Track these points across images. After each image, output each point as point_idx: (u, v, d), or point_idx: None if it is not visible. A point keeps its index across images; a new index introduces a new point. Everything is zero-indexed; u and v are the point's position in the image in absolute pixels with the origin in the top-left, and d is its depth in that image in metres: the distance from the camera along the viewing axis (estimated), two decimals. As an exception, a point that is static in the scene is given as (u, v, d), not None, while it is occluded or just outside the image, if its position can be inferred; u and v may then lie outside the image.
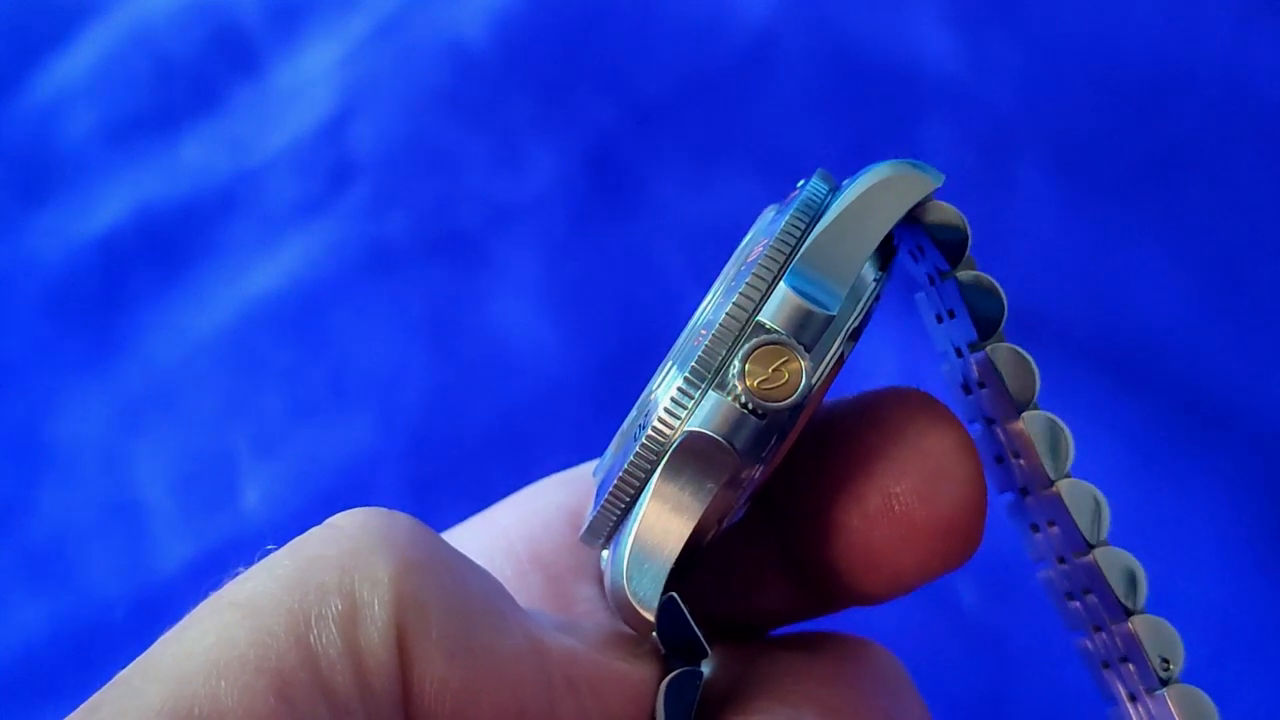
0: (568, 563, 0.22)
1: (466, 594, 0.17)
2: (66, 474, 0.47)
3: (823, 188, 0.20)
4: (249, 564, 0.17)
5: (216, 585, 0.17)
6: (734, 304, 0.18)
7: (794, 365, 0.18)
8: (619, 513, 0.19)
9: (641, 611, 0.18)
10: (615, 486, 0.19)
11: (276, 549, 0.17)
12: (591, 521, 0.19)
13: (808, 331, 0.18)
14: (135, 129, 0.53)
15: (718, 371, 0.18)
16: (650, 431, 0.18)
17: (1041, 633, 0.38)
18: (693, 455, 0.18)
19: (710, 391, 0.18)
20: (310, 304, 0.48)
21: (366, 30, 0.53)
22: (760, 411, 0.18)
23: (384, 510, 0.18)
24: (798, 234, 0.19)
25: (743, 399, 0.18)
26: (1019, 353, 0.19)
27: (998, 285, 0.19)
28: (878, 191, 0.19)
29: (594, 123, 0.50)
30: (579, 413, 0.45)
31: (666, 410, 0.18)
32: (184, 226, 0.51)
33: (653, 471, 0.18)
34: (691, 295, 0.45)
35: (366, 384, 0.47)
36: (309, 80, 0.53)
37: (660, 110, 0.49)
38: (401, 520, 0.17)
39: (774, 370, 0.18)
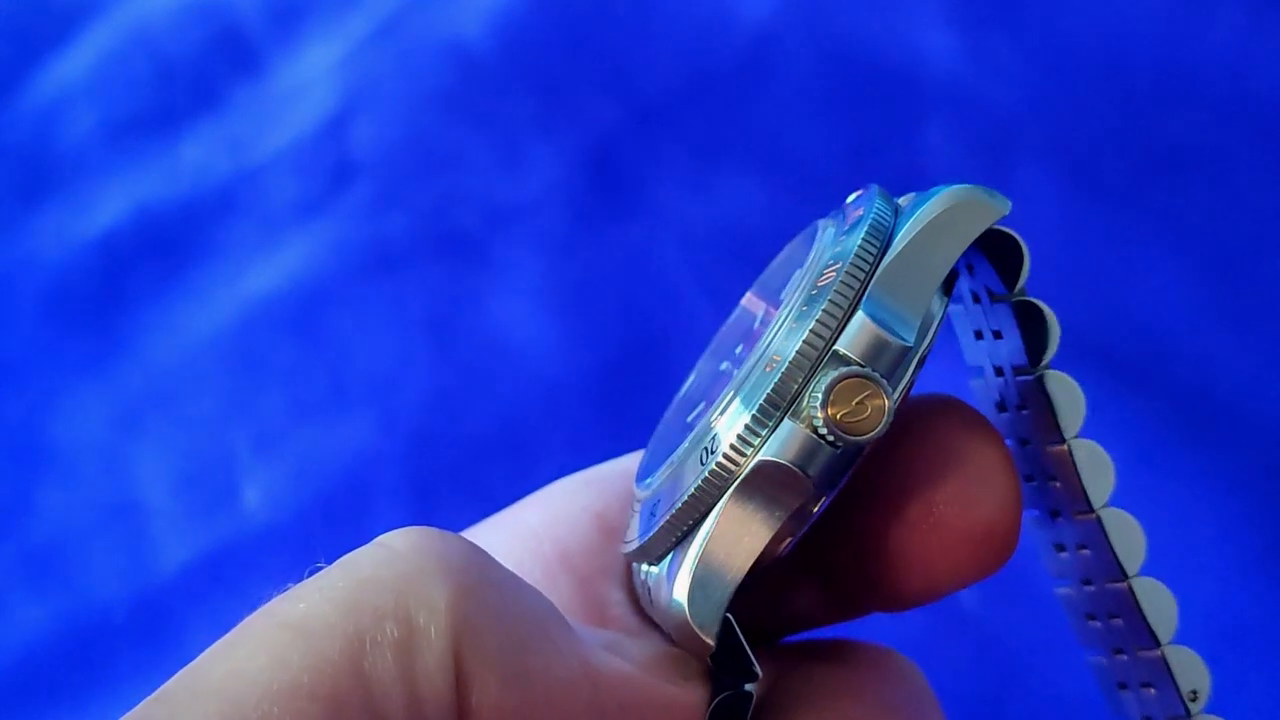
0: (596, 565, 0.22)
1: (521, 618, 0.17)
2: (66, 474, 0.47)
3: (888, 210, 0.19)
4: (287, 577, 0.17)
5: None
6: (811, 332, 0.18)
7: (877, 400, 0.18)
8: (679, 535, 0.19)
9: (702, 636, 0.18)
10: (679, 509, 0.18)
11: (325, 565, 0.17)
12: (646, 542, 0.19)
13: (884, 361, 0.18)
14: (135, 129, 0.53)
15: (793, 400, 0.18)
16: (721, 458, 0.18)
17: (1043, 636, 0.38)
18: (765, 482, 0.18)
19: (786, 420, 0.18)
20: (310, 304, 0.48)
21: (366, 30, 0.53)
22: (839, 443, 0.18)
23: (436, 531, 0.17)
24: (870, 260, 0.18)
25: (822, 430, 0.18)
26: (1071, 383, 0.20)
27: (1052, 315, 0.19)
28: (948, 217, 0.19)
29: (594, 123, 0.50)
30: (579, 413, 0.45)
31: (740, 437, 0.18)
32: (184, 226, 0.51)
33: (720, 497, 0.18)
34: (692, 295, 0.46)
35: (367, 384, 0.47)
36: (309, 80, 0.53)
37: (660, 110, 0.49)
38: (454, 542, 0.17)
39: (857, 403, 0.17)
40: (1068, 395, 0.20)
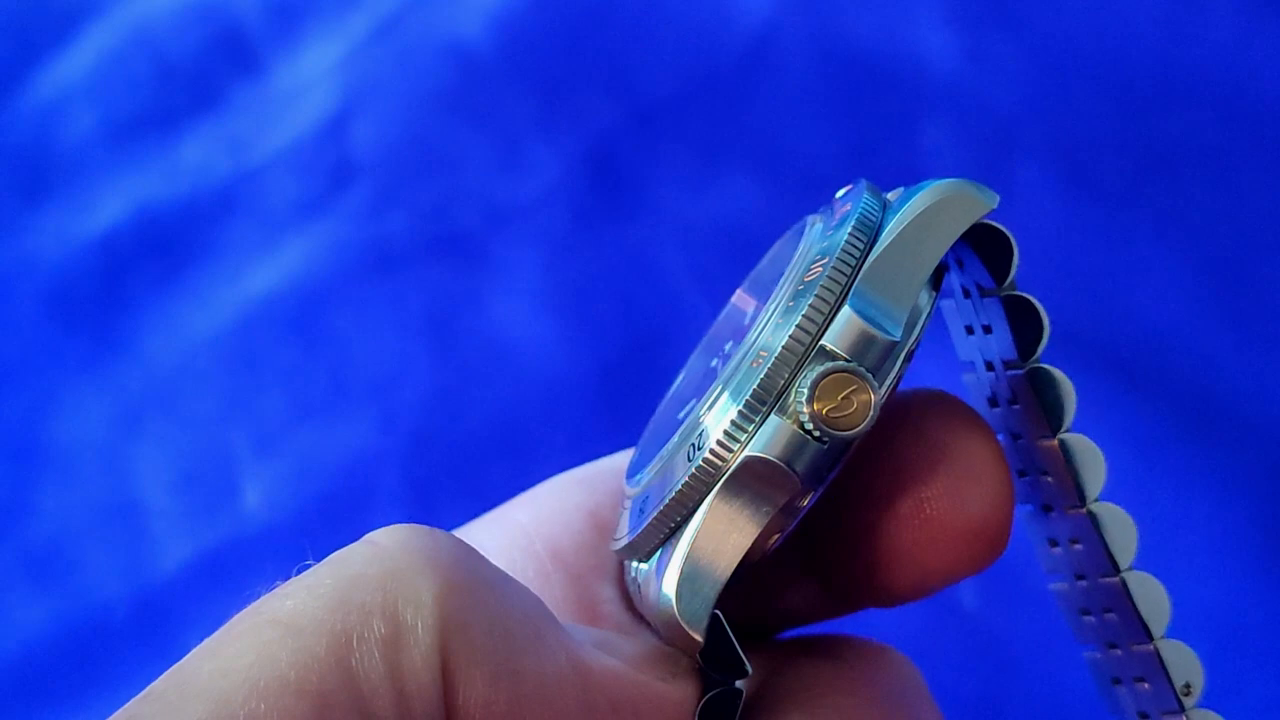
0: (589, 563, 0.22)
1: (510, 615, 0.17)
2: (66, 474, 0.47)
3: (876, 204, 0.19)
4: (284, 576, 0.17)
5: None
6: (797, 327, 0.18)
7: (863, 395, 0.17)
8: (667, 532, 0.19)
9: (690, 632, 0.18)
10: (668, 505, 0.18)
11: (314, 563, 0.17)
12: (634, 538, 0.19)
13: (871, 356, 0.18)
14: (135, 129, 0.53)
15: (780, 395, 0.18)
16: (708, 454, 0.18)
17: (1041, 635, 0.38)
18: (752, 478, 0.18)
19: (772, 416, 0.18)
20: (310, 304, 0.48)
21: (366, 30, 0.53)
22: (825, 438, 0.17)
23: (425, 528, 0.17)
24: (857, 255, 0.18)
25: (808, 425, 0.17)
26: (1062, 376, 0.20)
27: (1043, 309, 0.19)
28: (936, 211, 0.18)
29: (594, 123, 0.50)
30: (579, 413, 0.45)
31: (726, 433, 0.18)
32: (184, 226, 0.51)
33: (708, 493, 0.18)
34: (691, 295, 0.46)
35: (366, 384, 0.47)
36: (309, 80, 0.53)
37: (660, 110, 0.49)
38: (443, 539, 0.17)
39: (843, 398, 0.17)
40: (1059, 389, 0.20)
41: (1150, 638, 0.20)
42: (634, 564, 0.20)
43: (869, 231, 0.19)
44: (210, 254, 0.50)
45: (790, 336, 0.18)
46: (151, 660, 0.44)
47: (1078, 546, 0.21)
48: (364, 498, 0.45)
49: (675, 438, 0.19)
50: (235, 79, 0.53)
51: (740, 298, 0.22)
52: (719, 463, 0.18)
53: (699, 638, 0.18)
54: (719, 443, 0.18)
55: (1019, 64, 0.47)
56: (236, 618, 0.16)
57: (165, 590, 0.44)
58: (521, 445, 0.45)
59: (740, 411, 0.18)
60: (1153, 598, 0.20)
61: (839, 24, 0.49)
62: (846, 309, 0.18)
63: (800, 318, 0.18)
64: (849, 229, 0.19)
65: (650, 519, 0.19)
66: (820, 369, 0.17)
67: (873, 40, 0.48)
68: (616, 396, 0.44)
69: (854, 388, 0.17)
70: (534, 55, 0.51)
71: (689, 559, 0.18)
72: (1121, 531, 0.20)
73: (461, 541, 0.18)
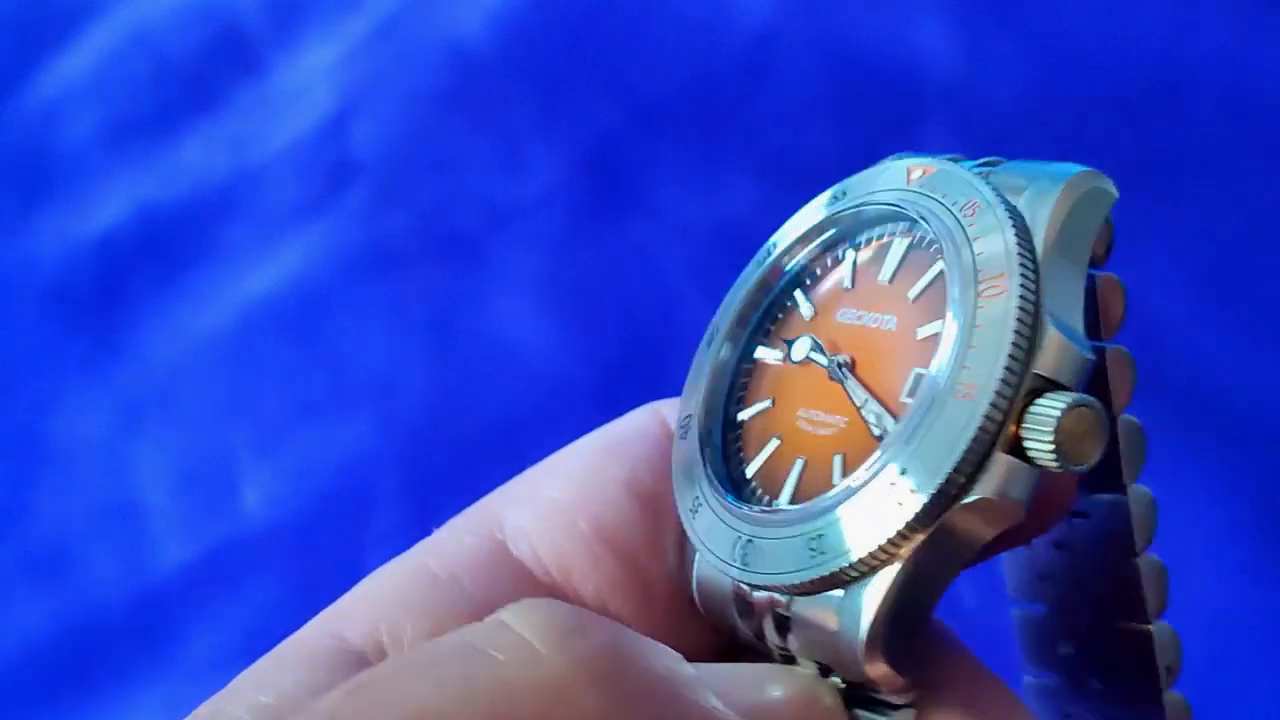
0: (638, 542, 0.21)
1: (665, 709, 0.16)
2: (66, 474, 0.47)
3: (1005, 202, 0.19)
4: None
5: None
6: (1009, 357, 0.17)
7: (1096, 427, 0.17)
8: (863, 573, 0.18)
9: (899, 677, 0.18)
10: (875, 551, 0.17)
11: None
12: (816, 579, 0.18)
13: (1075, 374, 0.17)
14: (135, 129, 0.53)
15: (1000, 429, 0.17)
16: (926, 498, 0.17)
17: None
18: (974, 517, 0.17)
19: (997, 453, 0.17)
20: (310, 304, 0.48)
21: (366, 30, 0.53)
22: (1059, 468, 0.17)
23: (573, 618, 0.16)
24: (1031, 265, 0.18)
25: (1044, 459, 0.17)
26: (1131, 359, 0.20)
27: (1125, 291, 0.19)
28: (1082, 209, 0.19)
29: (594, 123, 0.50)
30: (579, 413, 0.45)
31: (948, 475, 0.17)
32: (184, 226, 0.51)
33: (918, 536, 0.17)
34: (692, 295, 0.46)
35: (366, 384, 0.47)
36: (309, 80, 0.53)
37: (661, 111, 0.49)
38: (593, 632, 0.16)
39: (1081, 431, 0.17)
40: (1128, 372, 0.20)
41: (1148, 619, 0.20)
42: (787, 598, 0.19)
43: (1024, 235, 0.18)
44: (210, 254, 0.50)
45: (1004, 369, 0.17)
46: (151, 661, 0.44)
47: (1077, 520, 0.21)
48: (364, 498, 0.45)
49: (861, 472, 0.18)
50: (235, 79, 0.53)
51: (790, 246, 0.22)
52: (939, 510, 0.17)
53: (906, 682, 0.18)
54: (940, 487, 0.17)
55: (1019, 64, 0.47)
56: (389, 701, 0.15)
57: (165, 590, 0.44)
58: (521, 445, 0.44)
59: (963, 455, 0.17)
60: (1159, 579, 0.21)
61: (839, 25, 0.49)
62: (1052, 330, 0.17)
63: (1009, 347, 0.17)
64: (1014, 242, 0.18)
65: (844, 563, 0.18)
66: (1062, 404, 0.17)
67: (873, 40, 0.48)
68: (616, 396, 0.44)
69: (1090, 419, 0.17)
70: (534, 55, 0.51)
71: (898, 602, 0.17)
72: (1148, 514, 0.21)
73: (612, 631, 0.17)
